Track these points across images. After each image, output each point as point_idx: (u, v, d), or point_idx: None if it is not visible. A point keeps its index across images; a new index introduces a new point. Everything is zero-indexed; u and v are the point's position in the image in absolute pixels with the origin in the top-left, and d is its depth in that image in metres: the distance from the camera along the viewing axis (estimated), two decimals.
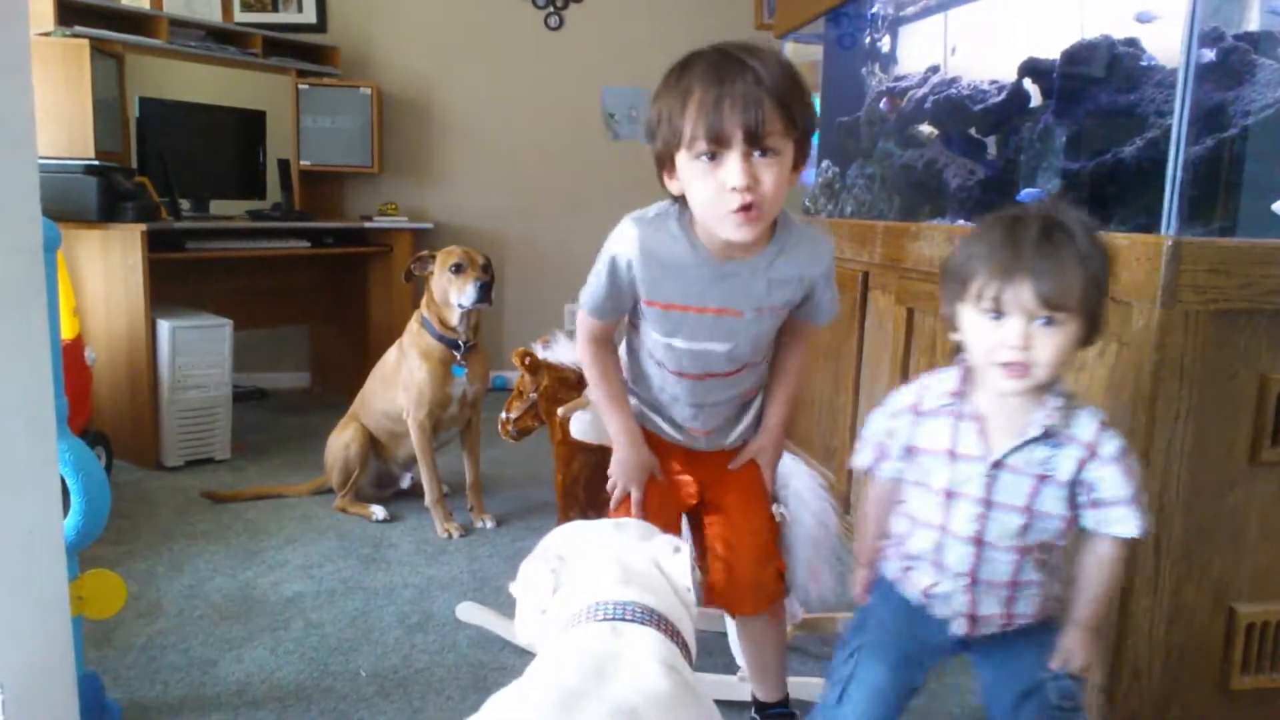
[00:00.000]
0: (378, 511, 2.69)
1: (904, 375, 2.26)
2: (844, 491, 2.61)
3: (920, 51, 3.06)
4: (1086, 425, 1.13)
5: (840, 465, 2.64)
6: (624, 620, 0.87)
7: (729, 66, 1.14)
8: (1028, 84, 2.20)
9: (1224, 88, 1.67)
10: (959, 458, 1.16)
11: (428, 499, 2.64)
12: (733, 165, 1.13)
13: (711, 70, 1.14)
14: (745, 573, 1.45)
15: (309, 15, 4.27)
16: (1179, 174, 1.51)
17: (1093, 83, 1.97)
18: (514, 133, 4.40)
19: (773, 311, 1.32)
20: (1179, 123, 1.50)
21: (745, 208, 1.15)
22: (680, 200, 1.25)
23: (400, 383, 2.63)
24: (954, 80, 2.53)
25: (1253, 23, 1.81)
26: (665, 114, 1.17)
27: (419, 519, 2.69)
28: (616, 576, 0.92)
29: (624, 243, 1.27)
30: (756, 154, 1.14)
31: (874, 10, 3.15)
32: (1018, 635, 1.21)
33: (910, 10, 3.12)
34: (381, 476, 2.85)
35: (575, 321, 1.42)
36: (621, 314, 1.36)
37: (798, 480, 1.76)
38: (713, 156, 1.14)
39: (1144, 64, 1.90)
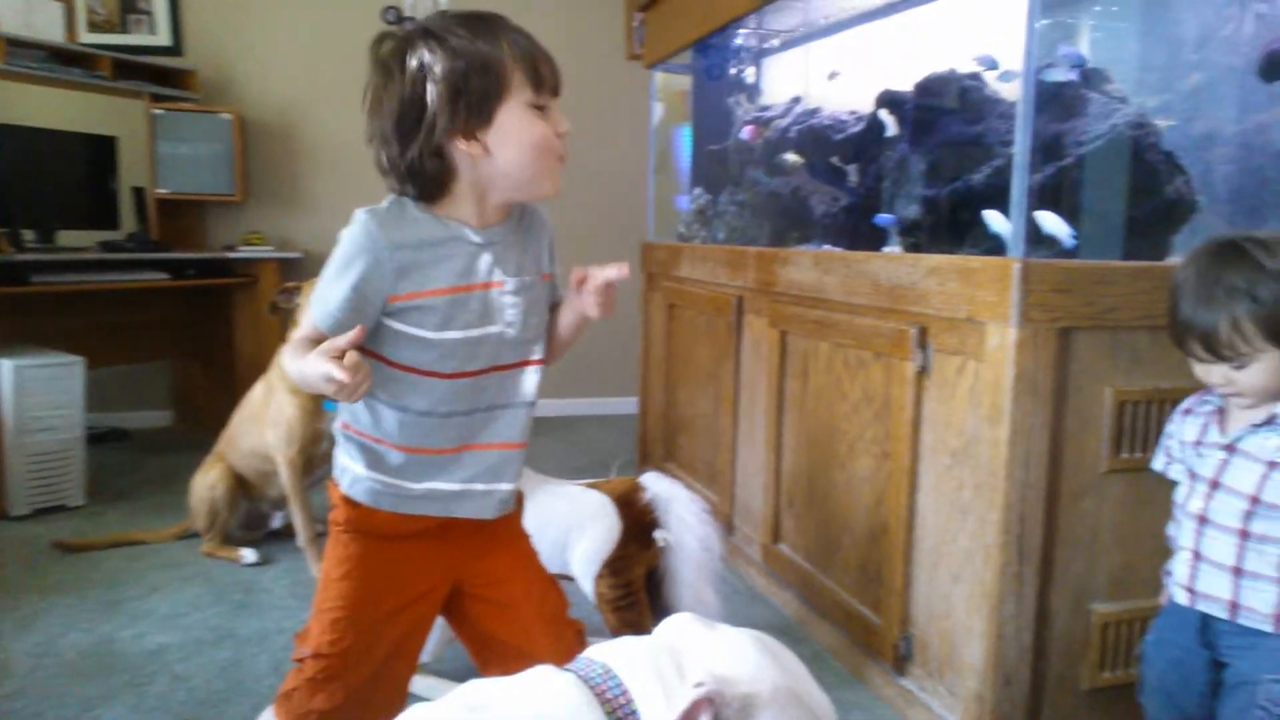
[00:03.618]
0: (248, 554, 2.58)
1: (779, 396, 2.32)
2: (727, 513, 2.65)
3: (783, 82, 3.18)
4: None
5: (724, 487, 2.68)
6: (578, 675, 0.83)
7: (516, 28, 1.17)
8: (884, 114, 2.30)
9: (1060, 119, 1.79)
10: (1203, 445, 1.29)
11: (300, 539, 2.54)
12: (558, 113, 1.18)
13: (514, 29, 1.17)
14: (544, 652, 1.19)
15: (163, 37, 4.09)
16: (1024, 199, 1.60)
17: (944, 114, 2.08)
18: None
19: (534, 283, 1.26)
20: (1021, 151, 1.60)
21: (562, 158, 1.20)
22: (410, 189, 1.18)
23: (269, 419, 2.53)
24: (816, 110, 2.63)
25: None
26: (484, 63, 1.11)
27: (293, 560, 2.59)
28: (638, 645, 0.87)
29: (369, 238, 1.13)
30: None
31: (738, 43, 3.25)
32: (1265, 638, 1.24)
33: (773, 43, 3.23)
34: (251, 517, 2.73)
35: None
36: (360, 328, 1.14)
37: (680, 505, 1.77)
38: (543, 105, 1.16)
39: (988, 97, 2.02)
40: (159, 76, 3.95)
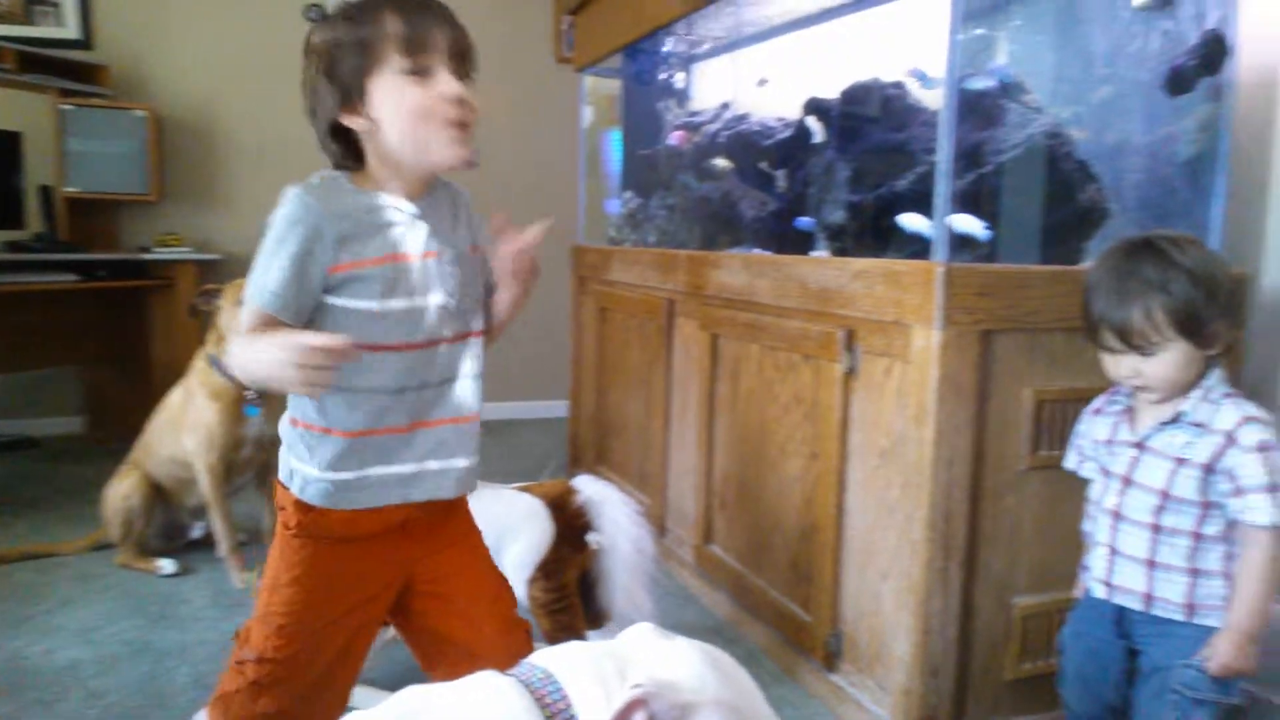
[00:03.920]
0: (166, 565, 2.49)
1: (710, 399, 2.34)
2: (659, 515, 2.66)
3: (713, 88, 3.21)
4: (1229, 415, 1.24)
5: (656, 489, 2.69)
6: (518, 680, 0.83)
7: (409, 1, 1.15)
8: (811, 121, 2.34)
9: (980, 128, 1.84)
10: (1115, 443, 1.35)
11: (221, 549, 2.47)
12: (446, 77, 1.14)
13: (403, 2, 1.14)
14: (494, 651, 1.20)
15: (71, 30, 3.94)
16: (946, 205, 1.65)
17: (868, 121, 2.12)
18: (308, 157, 4.17)
19: (469, 255, 1.26)
20: (944, 158, 1.64)
21: (462, 124, 1.15)
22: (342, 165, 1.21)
23: (187, 425, 2.45)
24: (744, 116, 2.66)
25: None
26: (354, 38, 1.12)
27: (213, 571, 2.52)
28: (582, 651, 0.86)
29: (306, 209, 1.13)
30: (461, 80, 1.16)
31: (667, 48, 3.27)
32: (1177, 626, 1.27)
33: (702, 49, 3.26)
34: (169, 527, 2.64)
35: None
36: (304, 308, 1.14)
37: (613, 508, 1.78)
38: (422, 71, 1.13)
39: (911, 105, 2.07)
40: (68, 70, 3.79)
